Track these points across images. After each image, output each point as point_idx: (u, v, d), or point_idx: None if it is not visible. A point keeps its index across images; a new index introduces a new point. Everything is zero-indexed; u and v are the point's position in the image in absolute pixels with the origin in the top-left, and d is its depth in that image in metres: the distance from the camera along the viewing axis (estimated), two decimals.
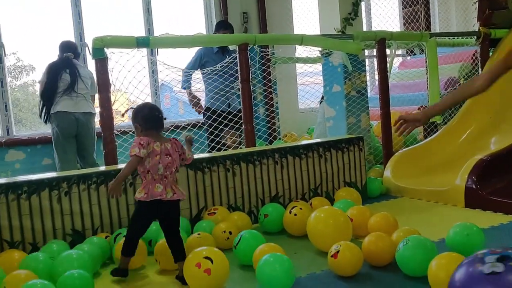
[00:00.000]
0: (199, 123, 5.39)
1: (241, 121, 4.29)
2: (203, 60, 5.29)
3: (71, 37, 5.60)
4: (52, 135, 4.85)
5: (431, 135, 5.34)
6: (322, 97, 5.64)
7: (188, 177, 3.52)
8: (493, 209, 3.62)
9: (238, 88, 4.39)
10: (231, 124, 4.77)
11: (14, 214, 3.02)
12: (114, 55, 3.82)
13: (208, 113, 5.19)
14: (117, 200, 3.29)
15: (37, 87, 5.96)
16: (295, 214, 3.29)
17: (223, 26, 5.44)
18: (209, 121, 5.14)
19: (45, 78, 4.81)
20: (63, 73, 4.81)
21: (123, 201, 3.31)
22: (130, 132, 4.40)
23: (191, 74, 5.36)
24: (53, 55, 5.13)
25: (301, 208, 3.32)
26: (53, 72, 4.81)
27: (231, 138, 5.08)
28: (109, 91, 3.75)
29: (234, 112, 5.02)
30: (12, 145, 5.35)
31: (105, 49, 3.70)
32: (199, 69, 5.30)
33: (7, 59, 5.63)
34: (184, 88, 5.41)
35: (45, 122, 4.87)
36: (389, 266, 2.66)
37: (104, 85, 3.72)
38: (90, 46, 3.72)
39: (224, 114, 4.95)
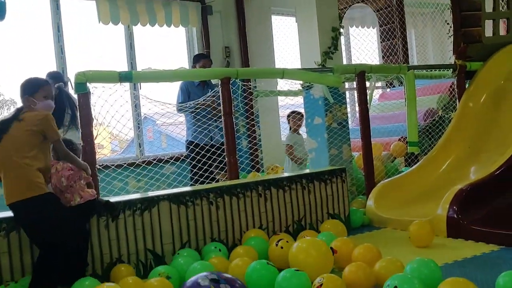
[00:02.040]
0: (181, 156, 5.39)
1: (224, 153, 4.30)
2: (188, 91, 5.35)
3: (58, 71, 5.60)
4: None
5: (412, 165, 5.41)
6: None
7: (171, 211, 3.50)
8: (475, 239, 3.66)
9: (220, 121, 4.42)
10: (219, 159, 4.75)
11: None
12: (96, 90, 3.83)
13: (191, 147, 5.20)
14: (99, 236, 3.24)
15: None
16: (282, 247, 3.27)
17: (202, 56, 5.53)
18: (192, 155, 5.13)
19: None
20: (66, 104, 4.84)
21: (105, 236, 3.26)
22: (113, 167, 4.39)
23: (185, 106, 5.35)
24: None
25: (287, 241, 3.32)
26: (58, 104, 4.81)
27: (220, 173, 5.08)
28: (91, 126, 3.74)
29: (217, 145, 5.03)
30: None
31: (88, 83, 3.71)
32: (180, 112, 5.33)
33: None
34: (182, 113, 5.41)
35: None
36: None
37: (86, 119, 3.72)
38: (73, 81, 3.72)
39: (207, 147, 4.97)
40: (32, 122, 2.92)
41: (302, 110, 5.47)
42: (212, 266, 2.99)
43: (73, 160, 3.08)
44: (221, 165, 4.72)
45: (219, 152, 4.74)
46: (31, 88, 3.07)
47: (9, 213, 3.13)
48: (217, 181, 4.81)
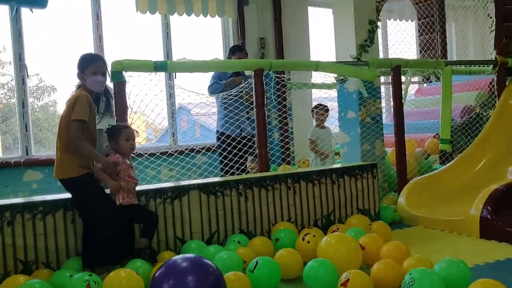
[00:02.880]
0: (213, 147, 5.43)
1: (255, 145, 4.31)
2: (219, 77, 5.37)
3: None
4: None
5: (446, 163, 5.30)
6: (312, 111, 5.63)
7: (201, 201, 3.54)
8: (509, 241, 3.56)
9: (252, 113, 4.42)
10: (250, 150, 4.78)
11: (29, 234, 3.06)
12: (132, 78, 3.90)
13: (222, 138, 5.22)
14: None
15: (60, 105, 6.09)
16: (308, 242, 3.27)
17: (238, 49, 5.54)
18: (223, 145, 5.17)
19: None
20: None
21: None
22: (146, 155, 4.47)
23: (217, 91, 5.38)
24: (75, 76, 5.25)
25: (314, 236, 3.31)
26: None
27: (251, 165, 5.11)
28: (126, 114, 3.82)
29: (248, 136, 5.06)
30: (31, 165, 5.45)
31: (124, 72, 3.78)
32: (212, 95, 5.36)
33: (30, 80, 5.77)
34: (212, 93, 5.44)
35: None
36: None
37: (122, 107, 3.80)
38: (109, 69, 3.80)
39: (238, 139, 4.99)
40: (70, 103, 3.05)
41: (334, 104, 5.43)
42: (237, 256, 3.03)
43: (82, 151, 3.00)
44: (252, 157, 4.74)
45: (250, 144, 4.76)
46: (81, 64, 3.14)
47: (46, 197, 3.25)
48: (247, 172, 4.84)
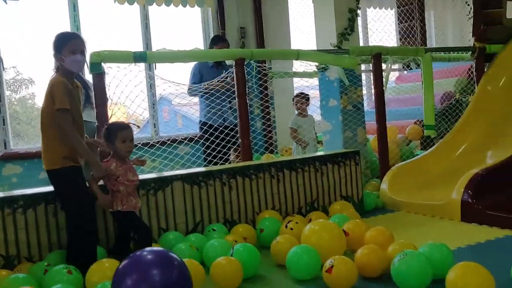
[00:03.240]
0: (195, 137, 5.41)
1: (238, 135, 4.30)
2: (200, 74, 5.33)
3: None
4: None
5: (428, 149, 5.36)
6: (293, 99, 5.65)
7: (185, 192, 3.52)
8: (489, 223, 3.63)
9: (234, 103, 4.41)
10: (233, 140, 4.76)
11: (10, 229, 3.01)
12: (111, 70, 3.85)
13: (204, 127, 5.20)
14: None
15: (38, 98, 5.99)
16: (291, 228, 3.29)
17: (220, 39, 5.50)
18: (205, 135, 5.15)
19: None
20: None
21: None
22: None
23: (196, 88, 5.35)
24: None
25: (297, 222, 3.33)
26: None
27: (234, 154, 5.09)
28: (106, 106, 3.77)
29: (231, 126, 5.04)
30: (9, 159, 5.36)
31: (103, 64, 3.72)
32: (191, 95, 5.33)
33: (6, 72, 5.66)
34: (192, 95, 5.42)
35: None
36: (383, 278, 2.67)
37: (101, 99, 3.75)
38: (88, 60, 3.74)
39: (220, 128, 4.98)
40: (47, 92, 2.90)
41: (316, 92, 5.43)
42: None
43: (70, 140, 2.87)
44: (235, 146, 4.73)
45: (232, 133, 4.74)
46: (57, 43, 2.93)
47: (26, 190, 3.20)
48: (230, 162, 4.83)
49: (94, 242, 3.00)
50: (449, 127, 5.61)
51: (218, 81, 4.87)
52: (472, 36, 5.68)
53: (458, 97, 6.16)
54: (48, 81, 2.93)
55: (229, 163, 4.91)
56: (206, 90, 5.05)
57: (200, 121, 5.40)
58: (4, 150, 5.46)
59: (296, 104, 5.53)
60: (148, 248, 2.20)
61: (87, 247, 2.93)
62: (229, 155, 5.06)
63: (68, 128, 2.83)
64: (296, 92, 6.43)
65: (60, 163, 2.90)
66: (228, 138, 4.80)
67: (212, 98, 5.01)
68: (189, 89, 5.20)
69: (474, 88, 5.54)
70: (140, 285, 1.93)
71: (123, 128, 3.04)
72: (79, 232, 2.93)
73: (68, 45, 2.89)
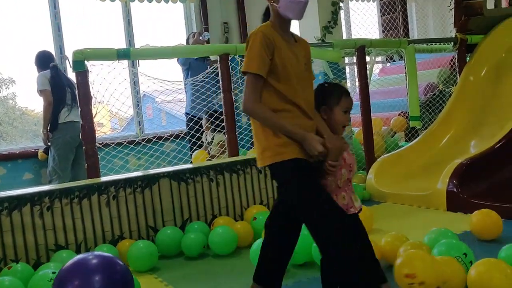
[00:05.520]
0: (181, 134, 5.39)
1: (222, 123, 4.29)
2: (189, 59, 5.38)
3: (51, 49, 5.56)
4: (56, 144, 4.82)
5: (412, 140, 5.41)
6: None
7: (172, 189, 3.51)
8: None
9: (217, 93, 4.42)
10: (215, 124, 4.77)
11: None
12: (94, 68, 3.81)
13: (191, 123, 5.19)
14: (100, 214, 3.26)
15: (19, 98, 5.90)
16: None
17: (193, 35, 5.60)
18: (190, 126, 5.16)
19: (49, 88, 4.80)
20: (65, 82, 4.87)
21: (106, 214, 3.28)
22: (113, 145, 4.39)
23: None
24: (34, 68, 5.09)
25: None
26: (58, 82, 4.84)
27: (214, 148, 5.09)
28: (90, 104, 3.73)
29: (216, 114, 5.05)
30: None
31: (86, 61, 3.68)
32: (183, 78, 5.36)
33: None
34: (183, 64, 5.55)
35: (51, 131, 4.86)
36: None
37: (85, 98, 3.70)
38: (71, 59, 3.70)
39: (205, 117, 5.02)
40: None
41: None
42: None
43: (259, 117, 2.09)
44: (218, 129, 4.71)
45: (216, 116, 4.75)
46: None
47: (11, 192, 3.16)
48: (212, 156, 4.82)
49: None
50: (432, 118, 5.66)
51: (203, 76, 4.86)
52: (454, 27, 5.73)
53: (441, 88, 6.22)
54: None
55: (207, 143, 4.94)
56: (192, 84, 5.05)
57: (186, 113, 5.42)
58: None
59: None
60: (90, 253, 2.04)
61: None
62: (209, 149, 5.08)
63: (252, 97, 2.03)
64: None
65: (277, 153, 2.07)
66: (214, 121, 4.83)
67: (197, 94, 5.00)
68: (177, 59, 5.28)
69: (457, 78, 5.60)
70: None
71: (348, 94, 2.20)
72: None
73: None
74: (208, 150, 5.09)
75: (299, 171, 2.03)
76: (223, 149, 4.54)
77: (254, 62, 2.03)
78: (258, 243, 2.84)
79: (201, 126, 5.07)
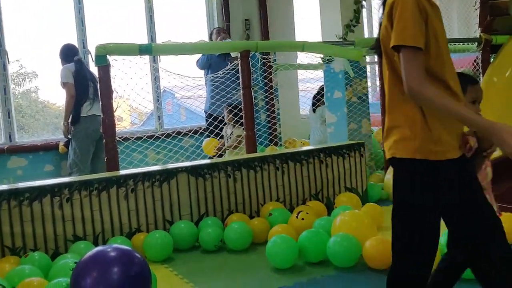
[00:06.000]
0: (200, 129, 5.42)
1: (241, 113, 4.29)
2: (210, 61, 5.39)
3: (74, 44, 5.64)
4: (78, 137, 4.90)
5: None
6: (313, 104, 5.69)
7: (189, 183, 3.53)
8: None
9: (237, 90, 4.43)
10: (235, 119, 4.79)
11: (16, 220, 3.03)
12: (116, 62, 3.84)
13: (210, 120, 5.22)
14: (119, 207, 3.30)
15: (42, 91, 6.01)
16: (303, 219, 3.31)
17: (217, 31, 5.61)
18: (209, 122, 5.18)
19: (73, 81, 4.88)
20: (89, 76, 4.95)
21: (124, 207, 3.32)
22: (132, 139, 4.43)
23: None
24: (57, 62, 5.17)
25: (307, 213, 3.35)
26: (82, 76, 4.91)
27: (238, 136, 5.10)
28: (111, 98, 3.77)
29: (239, 107, 5.07)
30: (15, 152, 5.38)
31: (108, 56, 3.72)
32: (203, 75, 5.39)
33: (10, 66, 5.66)
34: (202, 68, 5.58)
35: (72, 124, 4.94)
36: None
37: (106, 92, 3.74)
38: (93, 53, 3.74)
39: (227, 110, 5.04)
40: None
41: (321, 84, 5.42)
42: None
43: (428, 101, 1.55)
44: (237, 125, 4.70)
45: (238, 110, 4.76)
46: None
47: (32, 183, 3.21)
48: (220, 148, 4.85)
49: None
50: None
51: (223, 73, 4.88)
52: (478, 27, 5.63)
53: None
54: None
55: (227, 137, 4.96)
56: (212, 81, 5.07)
57: (205, 111, 5.43)
58: (9, 143, 5.47)
59: None
60: (107, 246, 2.07)
61: None
62: (224, 149, 5.09)
63: (418, 76, 1.55)
64: (300, 84, 6.43)
65: (418, 150, 1.61)
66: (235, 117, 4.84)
67: (217, 90, 5.02)
68: (197, 61, 5.28)
69: (480, 79, 5.51)
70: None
71: (475, 83, 2.01)
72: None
73: None
74: (225, 142, 5.12)
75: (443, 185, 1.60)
76: (237, 144, 4.56)
77: (409, 31, 1.55)
78: (274, 240, 2.85)
79: (220, 122, 5.07)
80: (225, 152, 5.02)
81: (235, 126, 4.90)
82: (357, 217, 3.06)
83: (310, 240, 2.86)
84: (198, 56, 5.48)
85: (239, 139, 4.66)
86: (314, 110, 5.68)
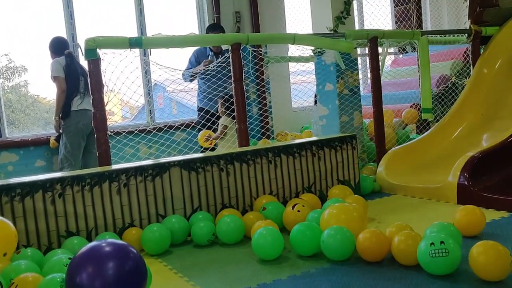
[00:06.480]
0: (192, 123, 5.40)
1: (233, 106, 4.29)
2: (198, 59, 5.34)
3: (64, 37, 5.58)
4: (68, 132, 4.86)
5: (424, 132, 5.37)
6: (315, 96, 5.69)
7: (182, 178, 3.52)
8: (485, 205, 3.64)
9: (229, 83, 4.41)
10: (227, 112, 4.77)
11: (8, 217, 3.01)
12: (106, 56, 3.82)
13: (202, 113, 5.21)
14: (111, 202, 3.29)
15: (31, 86, 5.95)
16: (298, 211, 3.31)
17: (216, 27, 5.50)
18: (201, 116, 5.16)
19: (63, 75, 4.83)
20: (79, 70, 4.91)
21: (117, 202, 3.31)
22: (124, 133, 4.41)
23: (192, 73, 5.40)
24: (46, 56, 5.12)
25: (303, 206, 3.35)
26: (73, 70, 4.87)
27: (225, 125, 5.09)
28: (102, 92, 3.75)
29: (231, 100, 5.06)
30: (5, 147, 5.34)
31: (98, 50, 3.69)
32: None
33: None
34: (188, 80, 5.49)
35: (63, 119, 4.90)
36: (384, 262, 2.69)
37: (97, 86, 3.72)
38: (83, 47, 3.71)
39: (217, 114, 4.99)
40: None
41: (312, 77, 5.42)
42: None
43: None
44: (227, 112, 4.68)
45: (230, 102, 4.75)
46: None
47: (23, 178, 3.19)
48: (216, 144, 4.84)
49: None
50: (445, 110, 5.62)
51: (213, 66, 4.86)
52: (468, 19, 5.66)
53: (454, 80, 6.16)
54: None
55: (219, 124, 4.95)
56: (202, 75, 5.05)
57: (198, 106, 5.42)
58: (0, 138, 5.43)
59: None
60: (102, 240, 2.03)
61: None
62: (212, 138, 5.08)
63: None
64: (291, 77, 6.42)
65: None
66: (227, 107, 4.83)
67: (209, 83, 5.00)
68: (183, 74, 5.21)
69: (470, 71, 5.54)
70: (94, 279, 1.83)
71: None
72: None
73: None
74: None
75: None
76: (222, 133, 4.56)
77: None
78: (260, 232, 2.85)
79: (212, 116, 5.06)
80: (216, 144, 5.03)
81: (229, 116, 4.91)
82: (346, 210, 3.05)
83: (302, 233, 2.86)
84: (188, 50, 5.44)
85: (225, 130, 4.67)
86: (315, 102, 5.69)
